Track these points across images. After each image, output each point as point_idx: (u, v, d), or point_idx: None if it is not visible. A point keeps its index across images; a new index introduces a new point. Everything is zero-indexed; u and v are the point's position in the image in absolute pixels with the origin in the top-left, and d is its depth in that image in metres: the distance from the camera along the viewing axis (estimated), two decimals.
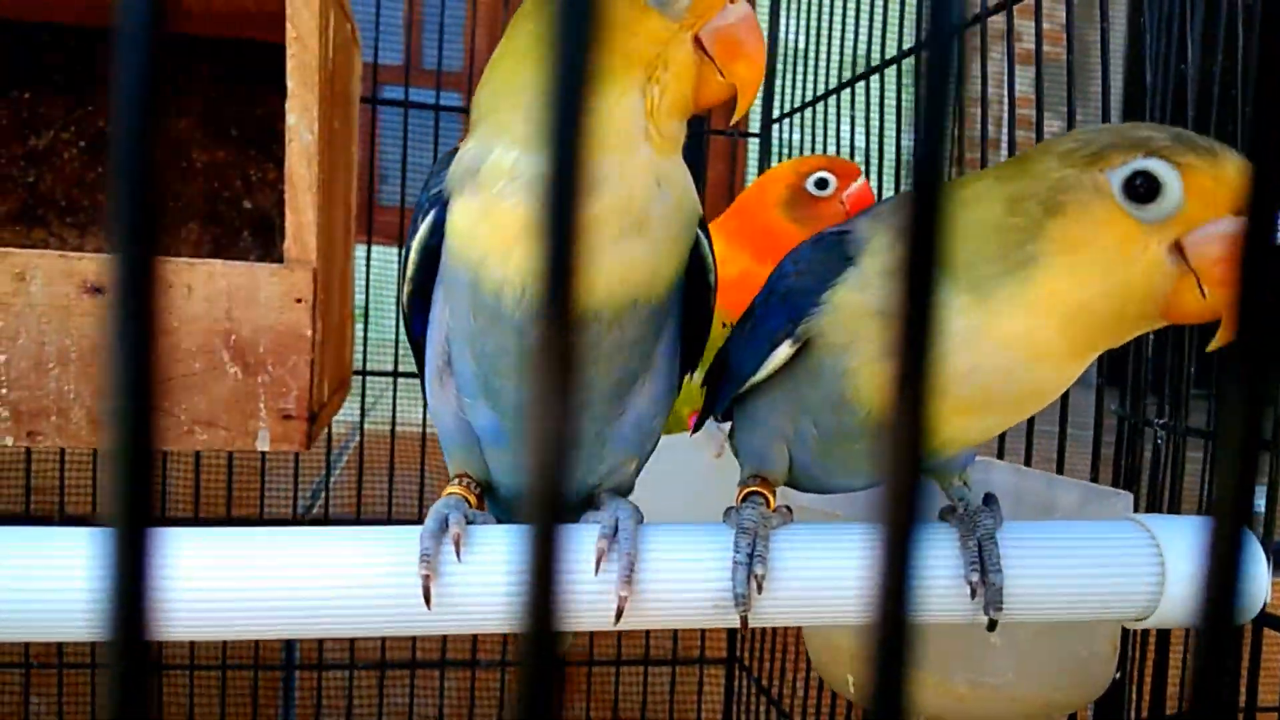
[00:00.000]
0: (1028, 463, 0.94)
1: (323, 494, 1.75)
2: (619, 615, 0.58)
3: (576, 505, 0.68)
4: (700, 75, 0.59)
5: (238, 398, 1.01)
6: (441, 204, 0.60)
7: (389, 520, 1.57)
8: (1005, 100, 1.08)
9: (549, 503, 0.22)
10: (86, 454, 1.47)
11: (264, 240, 1.42)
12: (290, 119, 1.03)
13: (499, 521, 0.64)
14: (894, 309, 0.21)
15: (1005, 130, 1.08)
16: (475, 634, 1.56)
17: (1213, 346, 0.57)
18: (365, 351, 1.51)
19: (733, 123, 0.60)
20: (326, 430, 1.53)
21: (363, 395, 1.53)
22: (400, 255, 0.66)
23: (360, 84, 1.44)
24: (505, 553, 0.59)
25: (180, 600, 0.52)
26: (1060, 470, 0.91)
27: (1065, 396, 0.93)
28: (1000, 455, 0.97)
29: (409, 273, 0.64)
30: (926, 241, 0.20)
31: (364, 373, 1.52)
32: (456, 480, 0.66)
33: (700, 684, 1.67)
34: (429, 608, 0.56)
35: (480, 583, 0.58)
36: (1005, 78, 1.07)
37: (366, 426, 1.61)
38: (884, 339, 0.60)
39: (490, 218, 0.57)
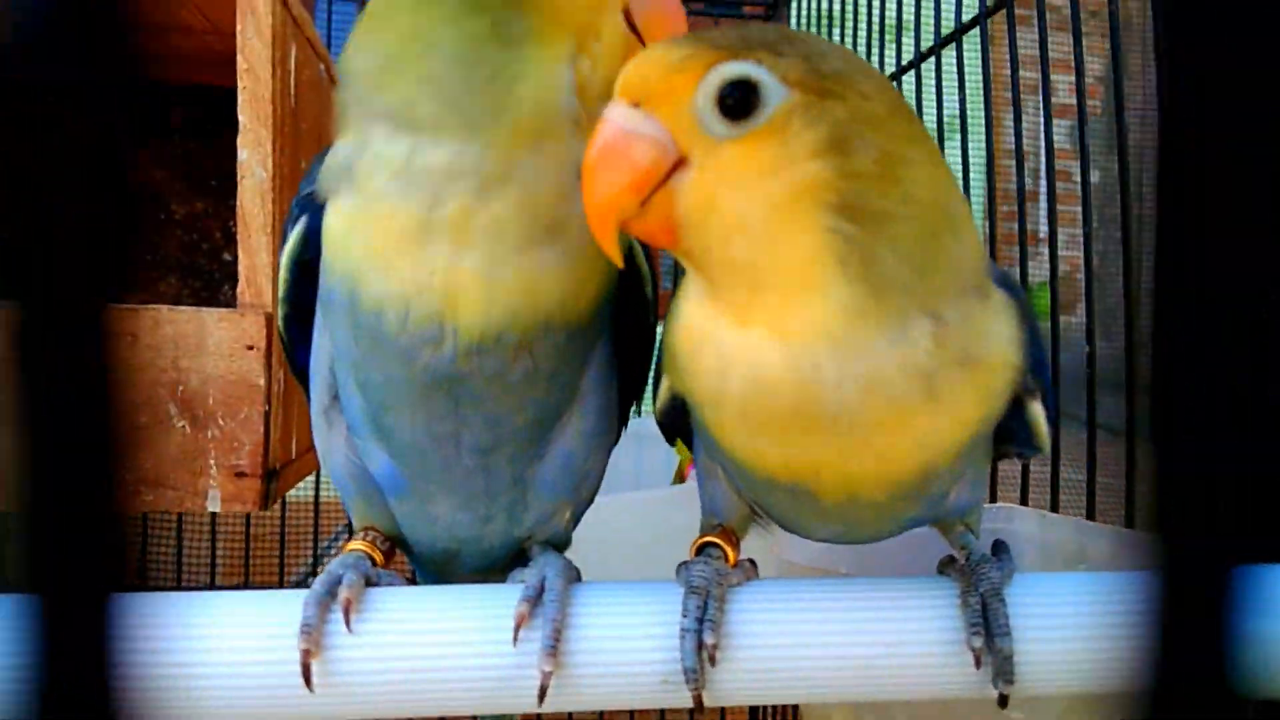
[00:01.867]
0: (1054, 509, 0.83)
1: (323, 558, 1.66)
2: (542, 695, 0.48)
3: (502, 561, 0.59)
4: (627, 55, 0.50)
5: (186, 454, 0.93)
6: (315, 209, 0.52)
7: None
8: (1042, 152, 1.02)
9: None
10: None
11: None
12: (242, 155, 0.96)
13: (414, 582, 0.55)
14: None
15: (1044, 182, 1.01)
16: None
17: None
18: None
19: None
20: (315, 488, 1.45)
21: None
22: None
23: None
24: (410, 620, 0.50)
25: None
26: (1090, 517, 0.80)
27: (1092, 437, 0.82)
28: (1024, 501, 0.86)
29: (281, 292, 0.56)
30: None
31: None
32: (361, 534, 0.57)
33: None
34: (309, 689, 0.47)
35: (376, 658, 0.49)
36: (1041, 130, 1.01)
37: None
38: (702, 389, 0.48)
39: (367, 222, 0.49)
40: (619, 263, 0.47)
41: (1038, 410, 0.54)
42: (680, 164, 0.45)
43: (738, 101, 0.44)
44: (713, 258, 0.46)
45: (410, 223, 0.47)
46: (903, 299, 0.44)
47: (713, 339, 0.46)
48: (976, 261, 0.49)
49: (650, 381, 0.61)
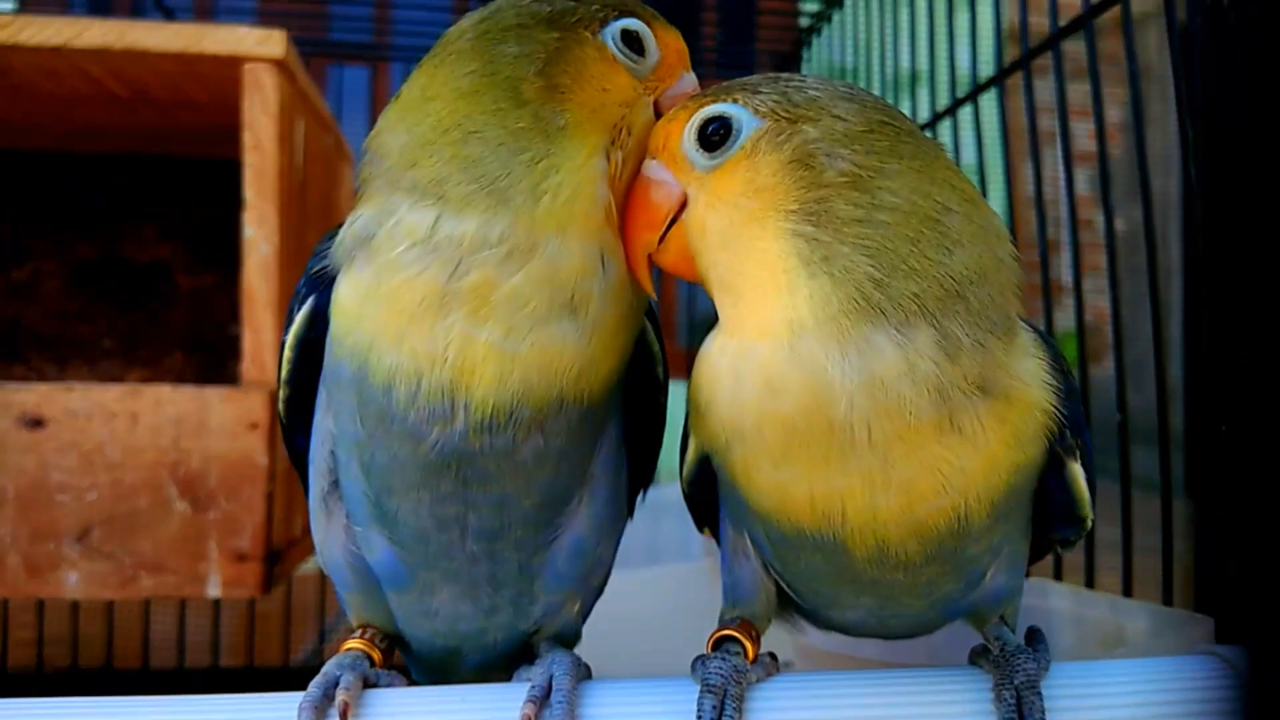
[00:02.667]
0: (1090, 584, 0.80)
1: (327, 642, 1.62)
2: None
3: (506, 659, 0.56)
4: None
5: (186, 538, 0.91)
6: (322, 288, 0.50)
7: None
8: (1064, 201, 1.01)
9: None
10: (29, 605, 1.36)
11: None
12: (247, 231, 0.95)
13: (413, 682, 0.52)
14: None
15: (1066, 231, 1.00)
16: None
17: None
18: None
19: None
20: (320, 569, 1.42)
21: None
22: None
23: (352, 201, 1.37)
24: None
25: None
26: (1128, 591, 0.76)
27: (1127, 500, 0.79)
28: (1058, 575, 0.83)
29: (284, 374, 0.54)
30: None
31: None
32: (359, 632, 0.54)
33: None
34: None
35: None
36: (1063, 178, 1.00)
37: None
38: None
39: (383, 291, 0.47)
40: (650, 292, 0.52)
41: (1078, 471, 0.51)
42: (686, 202, 0.51)
43: (715, 136, 0.49)
44: (712, 278, 0.50)
45: (429, 292, 0.46)
46: (876, 293, 0.45)
47: (727, 356, 0.48)
48: (985, 288, 0.47)
49: (679, 450, 0.58)
